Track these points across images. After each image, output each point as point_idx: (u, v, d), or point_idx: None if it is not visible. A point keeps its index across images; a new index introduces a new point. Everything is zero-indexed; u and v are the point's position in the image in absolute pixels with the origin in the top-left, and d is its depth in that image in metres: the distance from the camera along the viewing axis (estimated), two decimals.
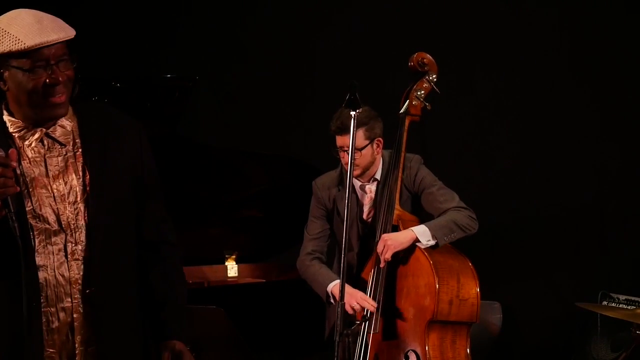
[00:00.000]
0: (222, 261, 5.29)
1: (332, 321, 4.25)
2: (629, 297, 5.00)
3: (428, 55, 4.16)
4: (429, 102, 4.13)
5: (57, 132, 2.58)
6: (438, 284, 3.88)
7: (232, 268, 5.28)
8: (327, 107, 4.20)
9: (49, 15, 2.54)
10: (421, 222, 4.08)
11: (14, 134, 2.55)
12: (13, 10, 2.52)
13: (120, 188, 2.62)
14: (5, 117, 2.56)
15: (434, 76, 4.14)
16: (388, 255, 3.93)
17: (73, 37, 2.53)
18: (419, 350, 3.92)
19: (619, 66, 5.52)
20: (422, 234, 3.96)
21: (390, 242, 3.93)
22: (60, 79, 2.47)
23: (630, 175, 5.50)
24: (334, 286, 4.12)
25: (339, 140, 4.08)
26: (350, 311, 3.98)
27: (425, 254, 3.95)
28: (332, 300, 4.16)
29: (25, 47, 2.43)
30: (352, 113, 3.41)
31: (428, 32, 5.69)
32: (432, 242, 3.96)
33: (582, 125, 5.62)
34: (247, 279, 5.28)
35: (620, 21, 5.53)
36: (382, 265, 3.96)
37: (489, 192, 5.62)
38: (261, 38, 6.17)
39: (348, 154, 3.94)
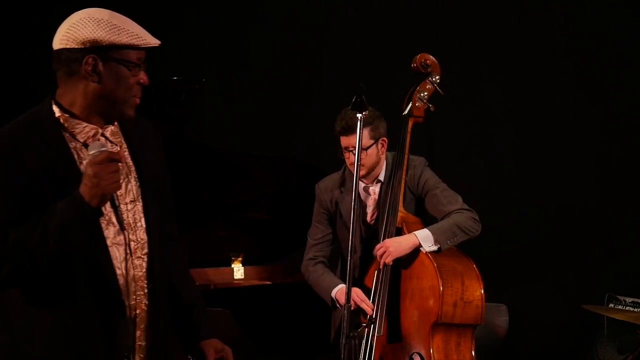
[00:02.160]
0: (229, 263, 5.29)
1: (337, 324, 4.26)
2: (636, 300, 4.99)
3: (431, 57, 4.15)
4: (433, 103, 4.13)
5: (108, 132, 2.60)
6: (442, 287, 3.87)
7: (238, 270, 5.28)
8: (333, 109, 4.20)
9: None
10: (425, 224, 4.08)
11: (72, 132, 2.55)
12: (95, 9, 2.54)
13: (160, 186, 2.70)
14: (59, 114, 2.55)
15: (437, 77, 4.14)
16: (389, 261, 3.92)
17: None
18: (423, 353, 3.91)
19: (625, 69, 5.51)
20: (425, 238, 3.95)
21: (392, 249, 3.93)
22: (148, 81, 2.55)
23: (637, 177, 5.49)
24: (337, 291, 4.13)
25: (344, 140, 4.08)
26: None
27: (429, 256, 3.94)
28: (337, 305, 4.16)
29: (144, 44, 2.51)
30: (359, 115, 3.41)
31: (434, 34, 5.69)
32: (435, 248, 3.95)
33: (589, 127, 5.61)
34: (253, 281, 5.28)
35: (625, 24, 5.52)
36: (381, 266, 3.96)
37: (495, 194, 5.62)
38: (267, 40, 6.18)
39: (353, 154, 3.95)
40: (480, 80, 5.81)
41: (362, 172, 4.13)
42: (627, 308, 4.98)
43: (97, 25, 2.47)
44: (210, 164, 4.95)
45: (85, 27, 2.47)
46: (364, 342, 3.96)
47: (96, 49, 2.47)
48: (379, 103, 4.13)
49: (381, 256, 3.94)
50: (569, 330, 5.49)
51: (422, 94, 4.12)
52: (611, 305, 5.05)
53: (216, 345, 2.77)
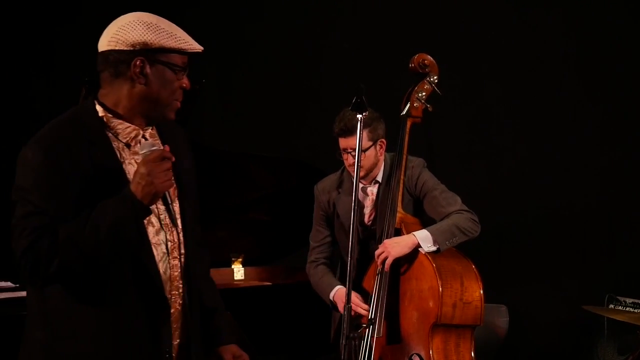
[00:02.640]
0: (229, 264, 5.29)
1: (337, 323, 4.27)
2: (636, 300, 4.98)
3: (429, 57, 4.15)
4: (431, 103, 4.13)
5: (147, 134, 2.65)
6: (441, 288, 3.88)
7: (238, 271, 5.28)
8: (333, 110, 4.21)
9: None
10: (423, 225, 4.08)
11: (114, 131, 2.59)
12: (143, 12, 2.60)
13: (192, 188, 2.75)
14: (105, 117, 2.59)
15: (435, 77, 4.14)
16: (388, 262, 3.93)
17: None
18: (423, 354, 3.91)
19: (626, 70, 5.51)
20: (424, 239, 3.95)
21: (392, 249, 3.93)
22: (189, 86, 2.62)
23: (637, 178, 5.49)
24: (334, 294, 4.15)
25: (343, 142, 4.08)
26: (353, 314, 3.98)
27: (429, 257, 3.94)
28: (336, 307, 4.17)
29: (191, 49, 2.59)
30: (359, 116, 3.41)
31: (434, 34, 5.70)
32: (434, 248, 3.95)
33: (589, 129, 5.61)
34: (253, 282, 5.28)
35: (626, 26, 5.52)
36: (379, 267, 3.96)
37: (495, 195, 5.62)
38: (267, 41, 6.19)
39: (352, 155, 3.96)
40: (480, 80, 5.82)
41: (361, 174, 4.12)
42: (627, 309, 4.97)
43: (147, 29, 2.53)
44: (211, 164, 4.95)
45: (135, 29, 2.52)
46: (363, 343, 3.96)
47: (145, 52, 2.53)
48: (378, 103, 4.13)
49: (379, 256, 3.94)
50: (569, 331, 5.49)
51: (420, 94, 4.13)
52: (611, 306, 5.04)
53: (234, 351, 2.83)
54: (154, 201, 2.48)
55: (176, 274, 2.64)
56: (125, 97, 2.57)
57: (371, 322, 3.96)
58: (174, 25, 2.61)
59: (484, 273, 4.02)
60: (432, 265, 3.91)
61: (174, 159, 2.52)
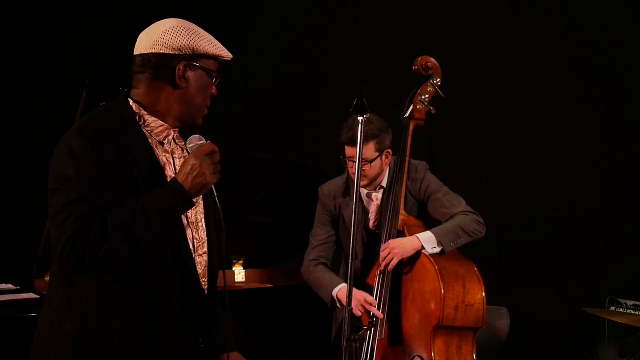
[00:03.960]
0: (230, 266, 5.29)
1: (338, 324, 4.27)
2: (637, 302, 4.98)
3: (432, 59, 4.16)
4: (434, 106, 4.14)
5: (175, 135, 2.71)
6: (443, 290, 3.88)
7: (239, 273, 5.28)
8: (334, 113, 4.21)
9: None
10: (426, 227, 4.08)
11: (152, 133, 2.65)
12: (180, 19, 2.70)
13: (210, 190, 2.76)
14: (146, 116, 2.66)
15: (438, 80, 4.14)
16: (393, 263, 3.92)
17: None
18: (425, 356, 3.91)
19: (626, 72, 5.51)
20: (427, 240, 3.96)
21: (397, 250, 3.93)
22: (216, 93, 2.71)
23: (638, 180, 5.49)
24: (339, 290, 4.14)
25: (349, 150, 4.08)
26: (356, 312, 3.97)
27: (431, 259, 3.95)
28: (337, 305, 4.16)
29: (227, 56, 2.72)
30: (360, 118, 3.41)
31: (435, 37, 5.70)
32: (438, 249, 3.96)
33: (590, 131, 5.61)
34: (254, 284, 5.28)
35: (627, 27, 5.52)
36: (382, 268, 3.96)
37: (496, 197, 5.62)
38: (268, 44, 6.19)
39: (361, 161, 3.96)
40: (482, 82, 5.82)
41: (365, 182, 4.15)
42: (628, 311, 4.97)
43: (192, 35, 2.63)
44: None
45: (180, 35, 2.62)
46: (365, 344, 3.97)
47: (189, 57, 2.63)
48: (379, 105, 4.13)
49: (384, 257, 3.94)
50: (570, 333, 5.49)
51: (423, 96, 4.13)
52: (612, 307, 5.04)
53: (237, 358, 2.89)
54: (201, 192, 2.55)
55: (200, 271, 2.69)
56: (165, 99, 2.65)
57: (372, 323, 3.97)
58: (219, 45, 2.71)
59: (485, 275, 4.03)
60: (435, 267, 3.92)
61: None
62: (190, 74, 2.63)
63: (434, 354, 3.89)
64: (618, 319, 4.53)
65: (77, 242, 2.45)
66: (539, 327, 5.58)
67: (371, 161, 4.10)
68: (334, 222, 4.33)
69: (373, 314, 3.97)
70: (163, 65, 2.62)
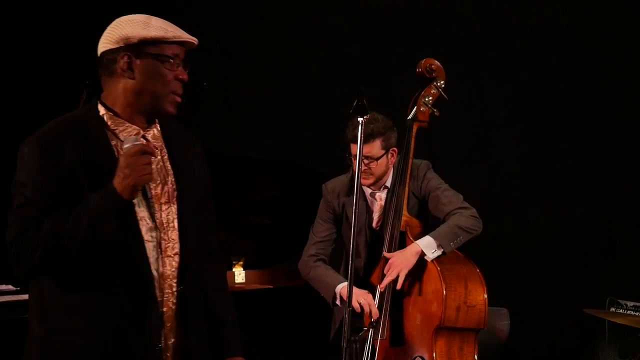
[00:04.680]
0: (230, 267, 5.28)
1: (337, 323, 4.27)
2: (637, 304, 4.99)
3: (436, 62, 4.16)
4: (437, 108, 4.14)
5: (150, 135, 2.68)
6: (445, 291, 3.88)
7: (239, 274, 5.27)
8: (335, 114, 4.21)
9: None
10: (428, 227, 4.08)
11: (114, 130, 2.63)
12: (134, 14, 2.65)
13: (198, 193, 2.75)
14: (104, 113, 2.64)
15: (442, 82, 4.15)
16: (401, 279, 3.92)
17: (194, 47, 2.70)
18: (426, 357, 3.91)
19: (627, 72, 5.52)
20: (427, 246, 3.95)
21: (401, 266, 3.93)
22: (185, 77, 2.62)
23: (639, 181, 5.49)
24: (342, 288, 4.13)
25: (355, 148, 4.08)
26: (357, 308, 3.97)
27: (433, 260, 3.95)
28: (338, 302, 4.16)
29: (174, 37, 2.59)
30: (360, 119, 3.41)
31: (436, 38, 5.70)
32: (439, 252, 3.96)
33: (590, 131, 5.61)
34: (254, 285, 5.27)
35: (628, 28, 5.53)
36: (382, 288, 3.96)
37: (497, 198, 5.62)
38: (269, 44, 6.19)
39: (364, 163, 3.98)
40: (483, 84, 5.82)
41: (370, 181, 4.16)
42: (629, 312, 4.98)
43: (129, 24, 2.58)
44: (212, 167, 4.91)
45: (119, 27, 2.58)
46: (366, 345, 3.96)
47: (130, 47, 2.57)
48: (380, 107, 4.14)
49: (390, 276, 3.94)
50: (571, 334, 5.49)
51: (426, 99, 4.13)
52: (612, 309, 5.05)
53: None
54: (133, 195, 2.48)
55: (169, 272, 2.65)
56: (121, 95, 2.61)
57: (373, 324, 3.96)
58: (167, 22, 2.63)
59: (485, 276, 4.03)
60: (437, 269, 3.92)
61: (157, 155, 2.57)
62: (137, 63, 2.57)
63: (435, 354, 3.89)
64: (618, 320, 4.54)
65: (14, 248, 2.48)
66: (540, 328, 5.59)
67: (378, 159, 4.11)
68: (337, 220, 4.33)
69: (372, 314, 3.97)
70: (111, 61, 2.59)
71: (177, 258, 2.67)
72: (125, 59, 2.57)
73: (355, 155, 4.07)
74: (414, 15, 5.89)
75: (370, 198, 4.25)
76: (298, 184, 5.11)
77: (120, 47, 2.57)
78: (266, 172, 5.11)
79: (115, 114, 2.62)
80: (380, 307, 3.98)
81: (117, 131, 2.61)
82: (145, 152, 2.49)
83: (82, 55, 5.89)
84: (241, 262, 5.29)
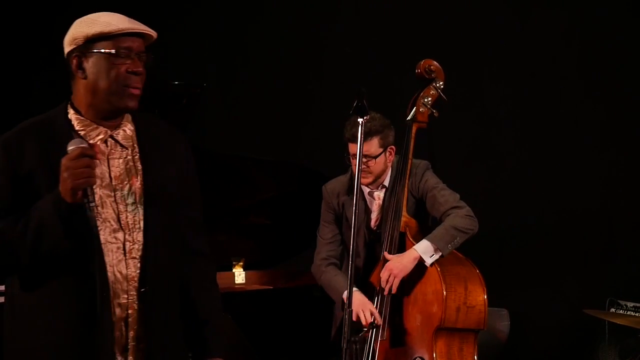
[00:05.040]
0: (230, 268, 5.28)
1: (338, 322, 4.27)
2: (637, 304, 4.99)
3: (435, 63, 4.16)
4: (436, 109, 4.14)
5: (120, 135, 2.67)
6: (445, 291, 3.88)
7: (239, 275, 5.27)
8: (334, 114, 4.22)
9: None
10: (426, 227, 4.08)
11: (79, 132, 2.62)
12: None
13: (172, 194, 2.71)
14: (71, 115, 2.63)
15: (441, 83, 4.15)
16: (396, 284, 3.93)
17: (154, 39, 2.67)
18: (426, 357, 3.92)
19: (627, 74, 5.51)
20: (425, 250, 3.95)
21: (397, 271, 3.93)
22: (138, 69, 2.58)
23: (639, 181, 5.49)
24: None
25: (353, 147, 4.08)
26: (355, 319, 3.98)
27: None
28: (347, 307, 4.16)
29: (117, 29, 2.55)
30: (360, 120, 3.42)
31: (436, 39, 5.70)
32: (437, 257, 3.95)
33: (590, 132, 5.61)
34: (254, 286, 5.27)
35: (629, 29, 5.52)
36: (385, 293, 3.97)
37: (496, 199, 5.62)
38: (268, 45, 6.19)
39: (362, 162, 3.97)
40: (482, 84, 5.82)
41: (369, 179, 4.16)
42: (629, 312, 4.98)
43: (78, 24, 2.60)
44: (212, 168, 4.94)
45: (70, 29, 2.60)
46: (366, 346, 3.97)
47: (78, 47, 2.58)
48: (380, 108, 4.15)
49: (386, 280, 3.95)
50: (571, 334, 5.49)
51: (426, 100, 4.13)
52: (612, 309, 5.05)
53: None
54: (73, 197, 2.45)
55: (134, 274, 2.63)
56: (81, 96, 2.62)
57: (373, 325, 3.97)
58: (115, 14, 2.61)
59: (485, 276, 4.03)
60: (437, 269, 3.92)
61: (98, 157, 2.54)
62: (86, 62, 2.58)
63: (435, 355, 3.89)
64: (618, 321, 4.54)
65: None
66: (539, 329, 5.59)
67: (375, 157, 4.11)
68: (338, 220, 4.34)
69: (373, 316, 3.97)
70: (67, 64, 2.61)
71: (141, 260, 2.65)
72: (76, 59, 2.59)
73: (353, 155, 4.08)
74: (414, 16, 5.89)
75: (368, 197, 4.25)
76: (298, 184, 5.11)
77: (73, 49, 2.59)
78: (266, 173, 5.11)
79: (82, 115, 2.62)
80: (380, 308, 3.98)
81: (84, 133, 2.62)
82: (85, 155, 2.46)
83: None
84: (241, 263, 5.29)
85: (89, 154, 2.46)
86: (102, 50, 2.56)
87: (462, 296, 3.91)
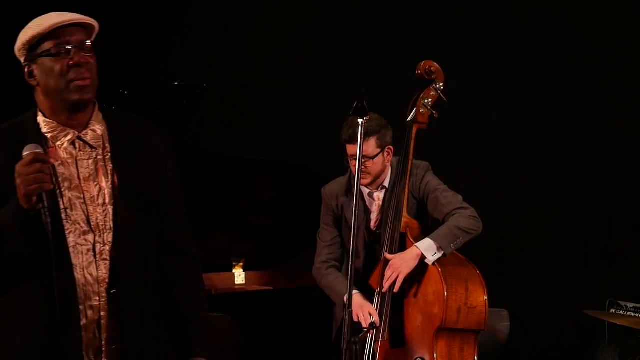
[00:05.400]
0: (230, 269, 5.28)
1: (338, 323, 4.27)
2: (637, 305, 4.98)
3: (435, 64, 4.17)
4: (436, 110, 4.14)
5: (89, 136, 2.65)
6: (447, 292, 3.88)
7: (239, 275, 5.27)
8: (334, 115, 4.21)
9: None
10: (427, 230, 4.08)
11: (47, 135, 2.62)
12: None
13: (146, 193, 2.68)
14: (40, 119, 2.64)
15: (441, 84, 4.15)
16: (399, 281, 3.93)
17: (93, 25, 2.65)
18: (427, 358, 3.92)
19: (627, 74, 5.51)
20: (428, 248, 3.95)
21: (401, 268, 3.93)
22: (81, 60, 2.56)
23: (638, 182, 5.49)
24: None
25: (350, 148, 4.08)
26: (356, 319, 3.98)
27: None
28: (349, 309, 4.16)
29: (48, 27, 2.55)
30: (360, 121, 3.42)
31: (435, 40, 5.70)
32: (439, 255, 3.95)
33: (590, 133, 5.61)
34: (254, 287, 5.27)
35: (628, 30, 5.52)
36: (385, 289, 3.97)
37: (497, 199, 5.62)
38: (268, 45, 6.18)
39: (361, 162, 3.97)
40: (482, 86, 5.82)
41: (368, 180, 4.16)
42: (629, 313, 4.97)
43: (24, 31, 2.60)
44: (212, 169, 4.95)
45: (18, 39, 2.62)
46: (366, 347, 3.97)
47: (27, 53, 2.59)
48: (380, 109, 4.15)
49: (389, 278, 3.94)
50: (570, 335, 5.49)
51: (426, 101, 4.14)
52: (612, 310, 5.04)
53: None
54: (28, 203, 2.44)
55: (105, 276, 2.61)
56: (41, 103, 2.63)
57: (372, 326, 3.96)
58: (54, 14, 2.61)
59: (485, 277, 4.03)
60: (438, 269, 3.92)
61: (52, 161, 2.53)
62: (35, 68, 2.59)
63: (436, 355, 3.89)
64: (618, 322, 4.54)
65: None
66: (540, 330, 5.58)
67: (373, 157, 4.11)
68: (338, 222, 4.33)
69: (372, 317, 3.97)
70: (22, 73, 2.63)
71: (110, 261, 2.63)
72: (26, 69, 2.60)
73: (351, 156, 4.08)
74: (414, 17, 5.89)
75: (368, 198, 4.25)
76: (298, 185, 5.12)
77: (22, 61, 2.61)
78: (266, 174, 5.11)
79: (48, 118, 2.63)
80: (380, 309, 3.98)
81: (51, 136, 2.62)
82: (38, 160, 2.45)
83: None
84: (241, 264, 5.29)
85: (42, 159, 2.45)
86: (43, 52, 2.56)
87: (463, 297, 3.92)
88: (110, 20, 6.14)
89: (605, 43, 5.56)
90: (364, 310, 3.99)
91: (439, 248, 3.95)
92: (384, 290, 3.98)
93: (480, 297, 3.95)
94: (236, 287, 5.23)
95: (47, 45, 2.56)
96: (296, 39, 6.12)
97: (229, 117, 6.22)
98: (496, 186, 5.71)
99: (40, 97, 2.63)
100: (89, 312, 2.59)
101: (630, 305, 5.02)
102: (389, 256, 3.99)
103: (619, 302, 5.06)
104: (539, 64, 5.69)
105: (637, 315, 4.93)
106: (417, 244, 3.96)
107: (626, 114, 5.53)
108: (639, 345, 4.78)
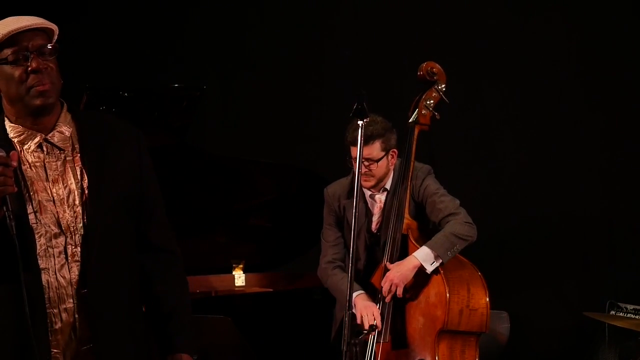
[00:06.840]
0: (230, 270, 5.27)
1: (338, 322, 4.27)
2: (637, 307, 4.98)
3: (437, 65, 4.17)
4: (438, 111, 4.15)
5: (56, 138, 2.64)
6: (449, 294, 3.88)
7: (239, 277, 5.26)
8: (335, 117, 4.21)
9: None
10: (428, 232, 4.08)
11: (13, 139, 2.62)
12: None
13: (118, 192, 2.66)
14: (6, 124, 2.63)
15: (443, 86, 4.15)
16: (399, 292, 3.94)
17: (51, 29, 2.62)
18: None
19: (627, 75, 5.52)
20: (425, 257, 3.96)
21: (397, 280, 3.94)
22: (39, 66, 2.53)
23: (638, 184, 5.49)
24: (356, 296, 4.12)
25: (355, 151, 4.08)
26: (359, 321, 3.98)
27: None
28: (353, 310, 4.16)
29: (2, 35, 2.52)
30: (360, 122, 3.42)
31: (436, 41, 5.70)
32: (437, 264, 3.96)
33: (590, 134, 5.61)
34: (254, 288, 5.27)
35: (628, 30, 5.53)
36: (387, 300, 3.97)
37: (497, 201, 5.62)
38: (269, 47, 6.18)
39: (364, 165, 3.98)
40: (483, 87, 5.82)
41: (372, 183, 4.17)
42: (629, 315, 4.97)
43: None
44: (212, 170, 4.95)
45: None
46: (367, 348, 3.97)
47: None
48: (380, 110, 4.15)
49: (387, 290, 3.95)
50: (571, 337, 5.49)
51: (428, 102, 4.14)
52: (612, 312, 5.04)
53: (180, 359, 2.75)
54: None
55: (77, 278, 2.59)
56: (6, 109, 2.63)
57: (373, 328, 3.97)
58: (11, 18, 2.59)
59: (485, 279, 4.03)
60: (440, 272, 3.92)
61: (14, 164, 2.48)
62: None
63: (437, 357, 3.90)
64: (618, 324, 4.54)
65: None
66: (540, 332, 5.58)
67: (378, 160, 4.12)
68: (340, 222, 4.34)
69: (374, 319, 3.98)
70: None
71: (80, 262, 2.62)
72: None
73: (355, 158, 4.07)
74: (415, 18, 5.89)
75: (369, 200, 4.25)
76: (298, 187, 5.12)
77: None
78: (266, 175, 5.10)
79: (15, 123, 2.62)
80: (382, 312, 3.98)
81: (19, 140, 2.61)
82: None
83: (82, 59, 5.93)
84: (241, 265, 5.29)
85: (3, 163, 2.44)
86: (3, 60, 2.55)
87: (465, 299, 3.92)
88: (110, 22, 6.17)
89: (605, 44, 5.56)
90: (369, 312, 3.99)
91: (437, 256, 3.97)
92: (386, 301, 3.99)
93: (482, 299, 3.96)
94: (236, 289, 5.23)
95: (5, 52, 2.54)
96: (296, 40, 6.11)
97: (229, 118, 6.22)
98: (497, 188, 5.71)
99: (4, 103, 2.62)
100: (64, 315, 2.59)
101: (630, 307, 5.02)
102: (389, 265, 4.00)
103: (619, 304, 5.06)
104: (540, 66, 5.69)
105: (637, 317, 4.93)
106: (415, 254, 3.97)
107: (626, 115, 5.53)
108: (639, 347, 4.77)
